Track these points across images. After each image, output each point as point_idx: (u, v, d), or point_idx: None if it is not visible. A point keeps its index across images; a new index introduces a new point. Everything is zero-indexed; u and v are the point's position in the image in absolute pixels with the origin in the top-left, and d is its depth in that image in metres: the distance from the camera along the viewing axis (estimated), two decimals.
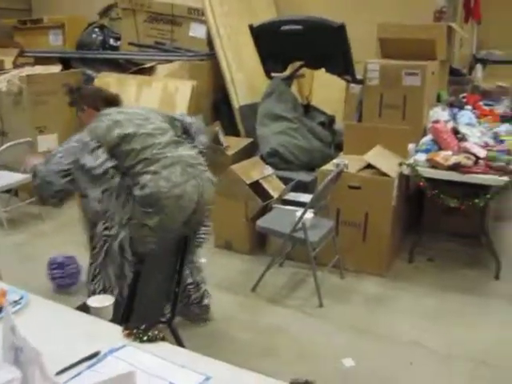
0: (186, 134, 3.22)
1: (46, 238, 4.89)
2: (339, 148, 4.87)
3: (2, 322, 1.33)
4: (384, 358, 3.22)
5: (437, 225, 4.48)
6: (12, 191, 5.43)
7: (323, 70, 5.32)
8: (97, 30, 6.84)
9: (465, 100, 5.55)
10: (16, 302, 1.96)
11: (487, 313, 3.73)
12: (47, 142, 5.68)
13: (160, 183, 2.82)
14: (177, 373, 1.55)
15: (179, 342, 2.66)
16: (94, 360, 1.61)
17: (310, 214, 3.74)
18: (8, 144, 4.92)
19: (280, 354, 3.21)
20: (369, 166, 4.22)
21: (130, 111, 3.07)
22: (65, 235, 4.92)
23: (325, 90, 5.99)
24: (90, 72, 6.17)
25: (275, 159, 4.83)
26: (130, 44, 6.36)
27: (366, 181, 4.13)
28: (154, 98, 5.40)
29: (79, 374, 1.56)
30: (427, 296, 3.91)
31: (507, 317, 3.68)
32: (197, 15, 5.97)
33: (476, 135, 4.43)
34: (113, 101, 3.22)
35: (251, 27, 5.24)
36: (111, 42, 6.73)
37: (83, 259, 4.37)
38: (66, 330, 1.82)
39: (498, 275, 4.18)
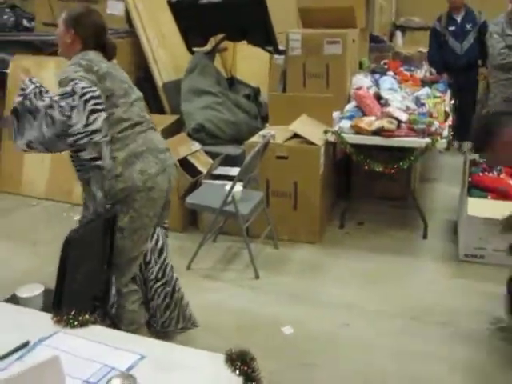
0: None
1: None
2: (266, 120, 4.88)
3: None
4: (322, 322, 3.29)
5: (365, 189, 4.59)
6: None
7: (245, 42, 5.30)
8: (8, 10, 6.52)
9: (386, 66, 5.67)
10: None
11: (416, 271, 3.87)
12: None
13: (135, 176, 2.53)
14: (111, 354, 1.53)
15: (115, 325, 2.62)
16: (24, 351, 1.57)
17: (239, 187, 3.74)
18: None
19: (219, 329, 3.21)
20: (295, 136, 4.26)
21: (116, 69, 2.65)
22: None
23: (248, 62, 5.98)
24: (3, 55, 5.91)
25: (202, 134, 4.79)
26: (45, 24, 6.11)
27: (293, 150, 4.16)
28: None
29: (9, 365, 1.51)
30: (359, 259, 4.01)
31: (434, 274, 3.83)
32: None
33: (398, 100, 4.53)
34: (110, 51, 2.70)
35: (169, 2, 5.14)
36: (24, 22, 6.44)
37: (11, 250, 4.27)
38: None
39: (426, 235, 4.33)
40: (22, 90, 2.39)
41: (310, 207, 4.21)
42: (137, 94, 2.69)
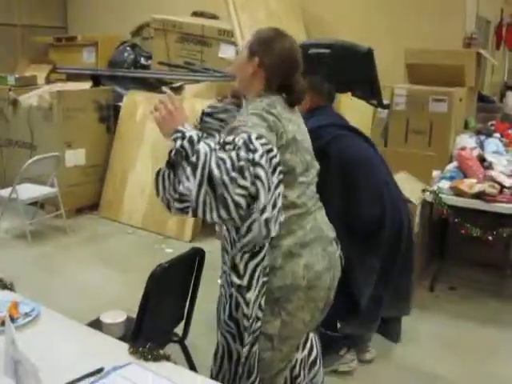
0: None
1: (69, 252, 4.95)
2: None
3: (4, 335, 1.34)
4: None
5: (460, 253, 4.41)
6: (38, 204, 5.53)
7: (349, 94, 5.31)
8: (128, 48, 6.96)
9: (493, 128, 5.49)
10: (27, 314, 1.98)
11: (508, 346, 3.64)
12: (75, 156, 5.78)
13: (298, 271, 2.00)
14: None
15: (190, 362, 2.64)
16: (97, 376, 1.61)
17: None
18: (35, 158, 5.00)
19: None
20: None
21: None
22: (87, 250, 4.98)
23: (351, 114, 5.97)
24: (119, 89, 6.27)
25: None
26: (160, 63, 6.44)
27: None
28: None
29: None
30: (447, 326, 3.83)
31: None
32: (226, 36, 6.03)
33: (503, 164, 4.37)
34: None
35: None
36: (142, 60, 6.84)
37: (104, 275, 4.44)
38: (73, 345, 1.82)
39: None
40: (178, 131, 1.83)
41: None
42: (316, 166, 2.15)
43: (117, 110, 6.09)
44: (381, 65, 4.93)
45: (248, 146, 1.76)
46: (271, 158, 1.79)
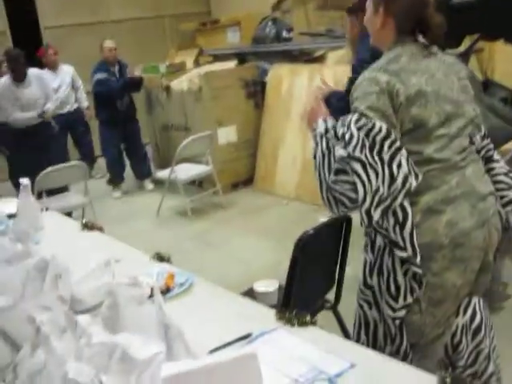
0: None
1: (225, 226, 5.16)
2: None
3: (154, 302, 1.43)
4: None
5: None
6: (196, 182, 5.82)
7: (503, 40, 4.92)
8: (270, 23, 7.03)
9: None
10: (182, 284, 2.09)
11: None
12: (226, 134, 5.99)
13: (439, 229, 1.87)
14: (322, 358, 1.55)
15: (343, 328, 2.65)
16: (246, 341, 1.67)
17: None
18: (190, 138, 5.25)
19: None
20: None
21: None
22: (243, 223, 5.17)
23: (506, 62, 5.54)
24: (264, 65, 6.37)
25: None
26: (302, 34, 6.43)
27: None
28: None
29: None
30: None
31: None
32: None
33: None
34: None
35: None
36: (284, 33, 6.87)
37: (259, 246, 4.58)
38: (224, 312, 1.90)
39: None
40: (314, 129, 2.02)
41: None
42: (467, 115, 1.97)
43: (263, 85, 6.20)
44: None
45: (345, 136, 1.85)
46: (374, 137, 1.81)
